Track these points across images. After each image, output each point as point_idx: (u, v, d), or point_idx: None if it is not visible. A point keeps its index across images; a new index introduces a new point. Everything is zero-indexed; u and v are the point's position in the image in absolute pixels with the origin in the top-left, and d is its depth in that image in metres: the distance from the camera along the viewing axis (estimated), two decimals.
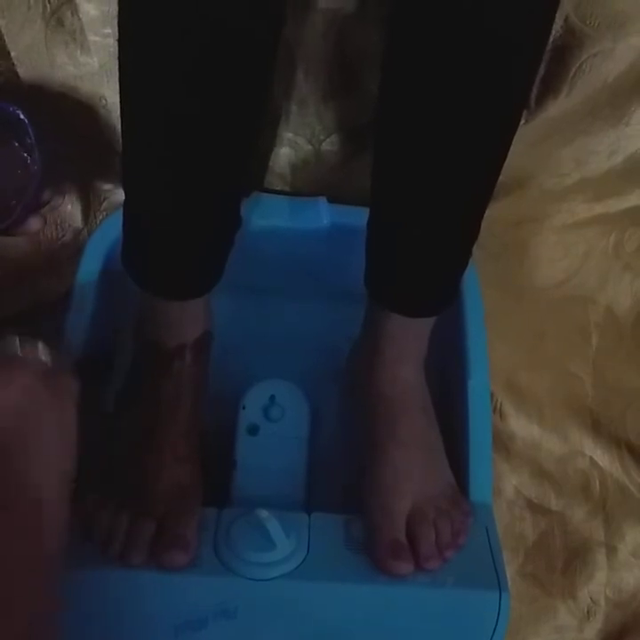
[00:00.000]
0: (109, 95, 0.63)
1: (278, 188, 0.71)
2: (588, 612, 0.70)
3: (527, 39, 0.47)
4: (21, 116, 0.53)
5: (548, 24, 0.48)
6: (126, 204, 0.55)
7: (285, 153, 0.68)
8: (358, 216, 0.58)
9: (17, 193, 0.53)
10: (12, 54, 0.60)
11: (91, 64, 0.60)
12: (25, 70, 0.61)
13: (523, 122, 0.61)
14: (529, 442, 0.74)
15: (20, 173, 0.54)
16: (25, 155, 0.54)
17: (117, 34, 0.48)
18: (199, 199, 0.53)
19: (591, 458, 0.74)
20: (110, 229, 0.65)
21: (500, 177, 0.53)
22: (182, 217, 0.53)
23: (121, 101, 0.50)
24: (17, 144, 0.54)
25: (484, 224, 0.55)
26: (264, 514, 0.51)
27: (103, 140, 0.67)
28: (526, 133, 0.63)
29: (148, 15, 0.46)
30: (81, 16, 0.57)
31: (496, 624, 0.50)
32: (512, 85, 0.49)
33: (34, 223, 0.54)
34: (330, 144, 0.66)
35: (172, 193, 0.52)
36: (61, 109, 0.64)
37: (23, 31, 0.58)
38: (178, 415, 0.57)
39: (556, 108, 0.62)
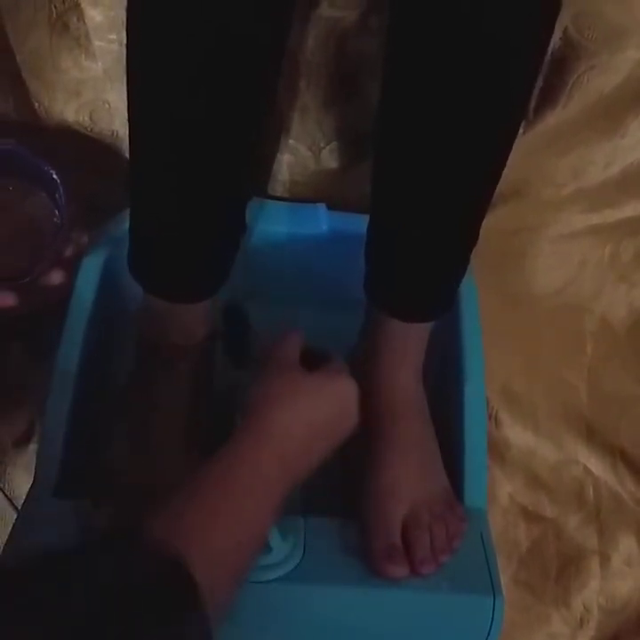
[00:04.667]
0: (113, 100, 0.63)
1: (278, 195, 0.71)
2: (580, 620, 0.70)
3: (526, 44, 0.48)
4: (54, 176, 0.54)
5: (547, 29, 0.49)
6: (132, 208, 0.55)
7: (286, 160, 0.68)
8: (358, 223, 0.58)
9: (42, 247, 0.55)
10: (18, 58, 0.60)
11: (95, 69, 0.61)
12: (29, 74, 0.61)
13: (521, 132, 0.62)
14: (524, 449, 0.75)
15: (46, 227, 0.55)
16: (53, 209, 0.55)
17: (126, 39, 0.48)
18: (205, 203, 0.53)
19: (585, 466, 0.75)
20: (110, 232, 0.65)
21: (498, 186, 0.54)
22: (188, 221, 0.54)
23: (128, 107, 0.51)
24: (45, 196, 0.55)
25: (481, 233, 0.56)
26: None
27: (105, 144, 0.67)
28: (524, 144, 0.64)
29: (155, 20, 0.46)
30: (86, 21, 0.58)
31: (490, 629, 0.51)
32: (511, 91, 0.49)
33: (55, 277, 0.55)
34: (330, 151, 0.67)
35: (177, 197, 0.52)
36: (64, 114, 0.64)
37: (29, 35, 0.58)
38: (180, 417, 0.58)
39: (554, 119, 0.63)
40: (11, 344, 0.73)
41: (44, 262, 0.54)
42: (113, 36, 0.58)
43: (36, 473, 0.56)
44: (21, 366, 0.73)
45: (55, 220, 0.56)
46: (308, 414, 0.49)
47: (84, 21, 0.58)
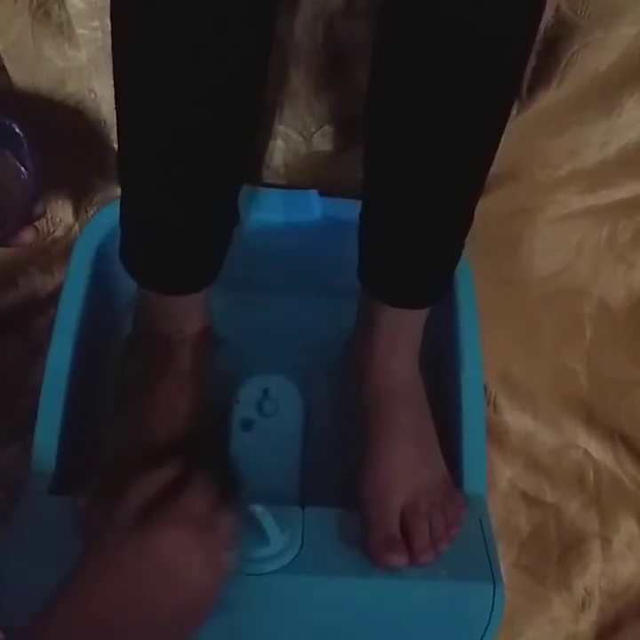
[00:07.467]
0: (98, 88, 0.63)
1: (270, 181, 0.71)
2: (582, 603, 0.70)
3: (517, 26, 0.47)
4: (16, 130, 0.53)
5: (537, 14, 0.48)
6: (123, 202, 0.55)
7: (277, 146, 0.67)
8: (350, 209, 0.58)
9: (10, 205, 0.53)
10: (0, 48, 0.59)
11: (78, 57, 0.60)
12: (12, 64, 0.60)
13: (514, 113, 0.61)
14: (523, 434, 0.75)
15: (13, 185, 0.54)
16: (19, 166, 0.54)
17: (111, 28, 0.47)
18: (198, 197, 0.53)
19: (585, 450, 0.75)
20: (101, 224, 0.65)
21: (493, 169, 0.53)
22: (182, 215, 0.53)
23: (116, 96, 0.50)
24: (9, 154, 0.54)
25: (476, 217, 0.55)
26: (258, 508, 0.51)
27: (92, 134, 0.66)
28: (518, 125, 0.63)
29: (145, 11, 0.45)
30: (68, 9, 0.57)
31: (490, 616, 0.50)
32: (502, 73, 0.48)
33: (27, 235, 0.54)
34: (321, 136, 0.66)
35: (170, 192, 0.52)
36: (50, 103, 0.64)
37: (10, 25, 0.58)
38: (176, 411, 0.57)
39: (548, 98, 0.62)
40: (5, 339, 0.73)
41: (13, 221, 0.53)
42: (96, 24, 0.57)
43: (31, 469, 0.55)
44: (17, 362, 0.73)
45: (22, 177, 0.54)
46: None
47: (65, 9, 0.57)
